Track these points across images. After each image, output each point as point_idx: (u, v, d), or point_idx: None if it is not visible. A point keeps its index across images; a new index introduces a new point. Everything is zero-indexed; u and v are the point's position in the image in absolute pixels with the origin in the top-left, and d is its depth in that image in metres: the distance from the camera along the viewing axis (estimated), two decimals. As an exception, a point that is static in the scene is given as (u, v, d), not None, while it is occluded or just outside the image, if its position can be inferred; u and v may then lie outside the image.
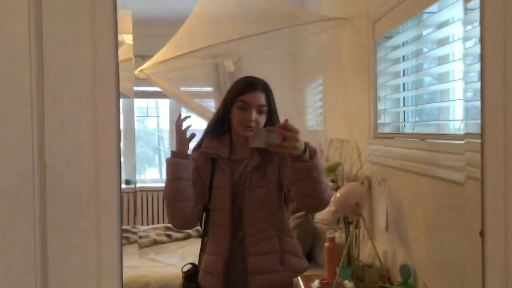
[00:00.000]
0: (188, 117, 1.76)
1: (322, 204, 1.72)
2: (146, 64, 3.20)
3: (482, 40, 0.75)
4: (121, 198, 0.78)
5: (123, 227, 4.29)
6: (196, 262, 1.96)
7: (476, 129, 1.62)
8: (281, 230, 1.81)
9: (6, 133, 0.75)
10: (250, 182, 1.78)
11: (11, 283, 0.77)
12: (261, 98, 1.79)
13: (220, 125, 1.86)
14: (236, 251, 1.78)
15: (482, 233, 0.74)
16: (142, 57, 4.26)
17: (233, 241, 1.79)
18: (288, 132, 1.51)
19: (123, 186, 5.49)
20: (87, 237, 0.76)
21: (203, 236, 1.92)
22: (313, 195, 1.64)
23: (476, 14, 0.83)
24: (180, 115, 1.77)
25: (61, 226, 0.77)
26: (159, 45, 3.38)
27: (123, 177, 5.63)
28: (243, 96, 1.78)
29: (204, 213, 1.86)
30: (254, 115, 1.76)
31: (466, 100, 1.23)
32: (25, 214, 0.76)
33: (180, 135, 1.74)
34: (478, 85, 1.34)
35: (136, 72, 3.31)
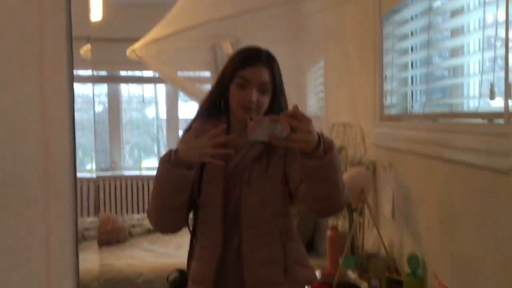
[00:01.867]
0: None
1: (337, 208, 1.46)
2: (137, 44, 3.03)
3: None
4: (75, 187, 0.63)
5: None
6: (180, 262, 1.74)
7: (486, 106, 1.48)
8: (285, 234, 1.53)
9: None
10: (249, 175, 1.50)
11: None
12: (264, 74, 1.50)
13: (216, 105, 1.58)
14: (231, 259, 1.52)
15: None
16: (136, 40, 4.12)
17: (227, 247, 1.52)
18: (298, 121, 1.23)
19: (107, 173, 5.40)
20: (35, 227, 0.61)
21: (191, 238, 1.64)
22: (328, 198, 1.37)
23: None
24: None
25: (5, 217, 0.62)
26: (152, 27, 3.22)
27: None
28: (243, 72, 1.49)
29: (193, 210, 1.59)
30: (255, 95, 1.48)
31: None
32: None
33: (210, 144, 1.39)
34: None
35: (127, 52, 3.14)
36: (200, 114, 1.61)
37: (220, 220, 1.51)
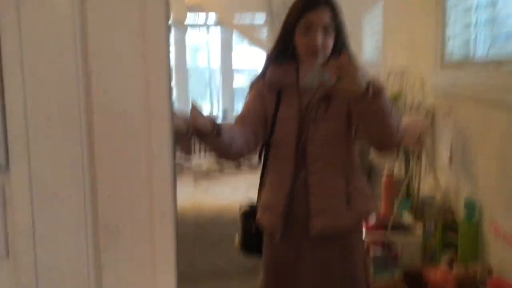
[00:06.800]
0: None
1: (392, 145, 1.57)
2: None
3: None
4: (172, 116, 0.71)
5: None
6: (250, 197, 1.87)
7: None
8: (348, 168, 1.64)
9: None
10: (316, 114, 1.61)
11: (60, 192, 0.73)
12: (326, 16, 1.56)
13: (284, 52, 1.66)
14: (299, 190, 1.63)
15: None
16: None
17: (295, 179, 1.63)
18: (344, 71, 1.28)
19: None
20: (139, 157, 0.69)
21: (262, 171, 1.77)
22: (381, 137, 1.49)
23: None
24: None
25: (108, 143, 0.72)
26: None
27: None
28: (305, 16, 1.56)
29: (264, 148, 1.72)
30: (319, 38, 1.55)
31: None
32: (72, 130, 0.71)
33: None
34: None
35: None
36: (270, 61, 1.71)
37: (292, 156, 1.62)
